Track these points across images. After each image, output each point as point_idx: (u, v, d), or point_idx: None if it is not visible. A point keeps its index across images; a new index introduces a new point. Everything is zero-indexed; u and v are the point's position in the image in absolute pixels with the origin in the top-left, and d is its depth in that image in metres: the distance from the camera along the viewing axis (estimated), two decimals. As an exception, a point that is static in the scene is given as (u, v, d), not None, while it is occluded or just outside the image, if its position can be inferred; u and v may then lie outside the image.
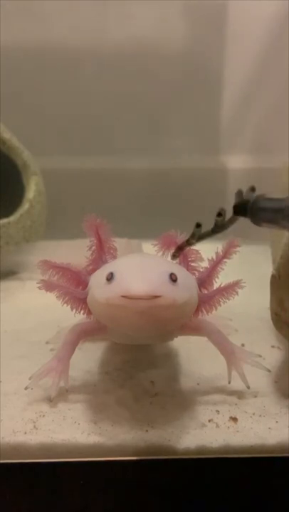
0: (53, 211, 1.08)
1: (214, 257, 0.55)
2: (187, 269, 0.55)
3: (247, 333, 0.69)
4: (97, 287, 0.49)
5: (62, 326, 0.67)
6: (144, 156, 1.26)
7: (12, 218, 0.95)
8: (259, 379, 0.58)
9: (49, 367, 0.56)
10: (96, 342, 0.66)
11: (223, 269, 0.56)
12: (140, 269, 0.47)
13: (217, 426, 0.51)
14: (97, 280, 0.50)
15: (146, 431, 0.50)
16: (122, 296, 0.45)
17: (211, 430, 0.51)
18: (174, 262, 0.56)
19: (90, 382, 0.58)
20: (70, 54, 1.20)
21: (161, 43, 1.21)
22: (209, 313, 0.55)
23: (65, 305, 0.54)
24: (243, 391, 0.56)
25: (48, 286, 0.53)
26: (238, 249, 0.55)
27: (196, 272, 0.56)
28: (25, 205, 0.98)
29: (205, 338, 0.58)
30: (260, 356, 0.59)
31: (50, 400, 0.54)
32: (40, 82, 1.21)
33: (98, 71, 1.22)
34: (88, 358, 0.63)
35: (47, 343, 0.68)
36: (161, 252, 0.58)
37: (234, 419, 0.52)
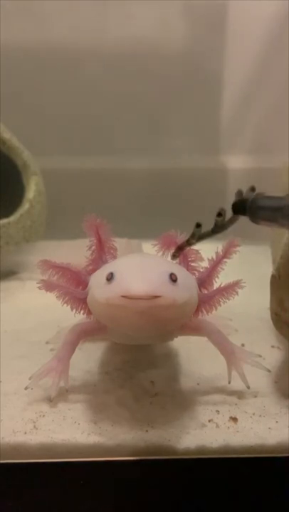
0: (53, 211, 1.09)
1: (214, 257, 0.55)
2: (187, 269, 0.55)
3: (247, 333, 0.69)
4: (97, 287, 0.49)
5: (62, 326, 0.67)
6: (144, 156, 1.26)
7: (12, 218, 0.95)
8: (259, 379, 0.58)
9: (49, 367, 0.56)
10: (96, 342, 0.66)
11: (223, 269, 0.56)
12: (140, 269, 0.47)
13: (217, 426, 0.51)
14: (97, 280, 0.50)
15: (146, 431, 0.50)
16: (122, 296, 0.45)
17: (211, 430, 0.51)
18: (174, 262, 0.56)
19: (90, 382, 0.59)
20: (70, 54, 1.20)
21: (161, 43, 1.21)
22: (209, 313, 0.55)
23: (65, 305, 0.54)
24: (243, 391, 0.56)
25: (48, 286, 0.53)
26: (238, 249, 0.55)
27: (196, 272, 0.56)
28: (25, 205, 0.98)
29: (205, 338, 0.58)
30: (260, 356, 0.59)
31: (50, 400, 0.54)
32: (40, 82, 1.21)
33: (98, 71, 1.22)
34: (88, 358, 0.63)
35: (47, 343, 0.68)
36: (161, 252, 0.58)
37: (234, 419, 0.52)
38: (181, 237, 0.57)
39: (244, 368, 0.56)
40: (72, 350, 0.57)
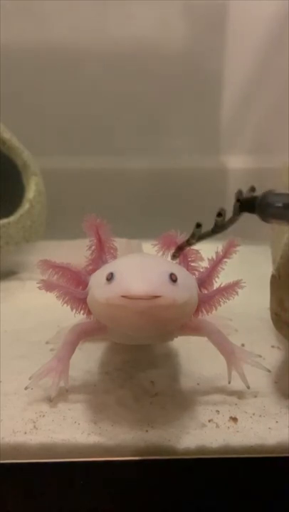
0: (53, 211, 1.08)
1: (214, 257, 0.55)
2: (187, 269, 0.55)
3: (247, 333, 0.69)
4: (97, 287, 0.49)
5: (62, 326, 0.67)
6: (144, 156, 1.26)
7: (12, 218, 0.95)
8: (259, 379, 0.58)
9: (49, 367, 0.56)
10: (96, 342, 0.65)
11: (223, 269, 0.56)
12: (140, 269, 0.47)
13: (217, 426, 0.51)
14: (97, 280, 0.50)
15: (146, 431, 0.50)
16: (122, 296, 0.45)
17: (211, 430, 0.51)
18: (174, 262, 0.56)
19: (90, 382, 0.58)
20: (70, 54, 1.20)
21: (161, 43, 1.21)
22: (209, 313, 0.55)
23: (65, 305, 0.54)
24: (243, 391, 0.56)
25: (48, 286, 0.53)
26: (238, 249, 0.55)
27: (196, 272, 0.56)
28: (25, 205, 0.98)
29: (205, 338, 0.58)
30: (260, 356, 0.59)
31: (50, 400, 0.54)
32: (40, 82, 1.21)
33: (98, 71, 1.22)
34: (88, 358, 0.63)
35: (47, 343, 0.68)
36: (161, 252, 0.58)
37: (234, 419, 0.52)
38: (181, 237, 0.57)
39: (244, 367, 0.56)
40: (72, 350, 0.57)
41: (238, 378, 0.56)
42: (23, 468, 0.49)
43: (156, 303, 0.45)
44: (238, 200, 0.52)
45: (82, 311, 0.54)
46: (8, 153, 0.98)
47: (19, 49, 1.18)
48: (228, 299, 0.55)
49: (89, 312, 0.54)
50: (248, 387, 0.56)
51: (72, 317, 0.55)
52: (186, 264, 0.56)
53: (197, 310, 0.54)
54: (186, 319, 0.53)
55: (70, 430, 0.51)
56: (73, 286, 0.54)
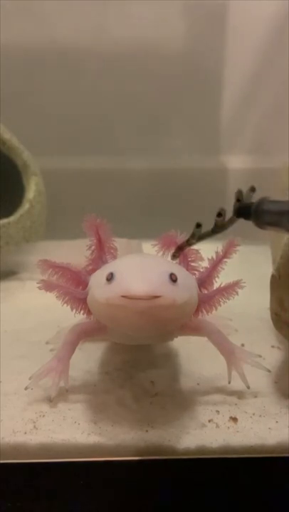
0: (53, 211, 1.09)
1: (214, 257, 0.55)
2: (187, 269, 0.55)
3: (247, 333, 0.69)
4: (97, 287, 0.49)
5: (62, 326, 0.67)
6: (144, 156, 1.26)
7: (12, 218, 0.95)
8: (259, 379, 0.58)
9: (49, 367, 0.56)
10: (96, 342, 0.66)
11: (223, 269, 0.56)
12: (140, 269, 0.47)
13: (217, 426, 0.51)
14: (97, 280, 0.50)
15: (146, 431, 0.50)
16: (122, 296, 0.45)
17: (211, 430, 0.51)
18: (174, 262, 0.56)
19: (90, 382, 0.59)
20: (70, 54, 1.20)
21: (161, 43, 1.21)
22: (209, 313, 0.55)
23: (65, 305, 0.54)
24: (243, 391, 0.56)
25: (47, 286, 0.53)
26: (238, 249, 0.55)
27: (196, 272, 0.56)
28: (25, 206, 0.98)
29: (205, 338, 0.58)
30: (260, 356, 0.59)
31: (50, 400, 0.54)
32: (40, 82, 1.21)
33: (98, 71, 1.22)
34: (88, 358, 0.63)
35: (47, 343, 0.68)
36: (161, 252, 0.58)
37: (234, 420, 0.52)
38: (181, 237, 0.57)
39: (244, 367, 0.56)
40: (72, 350, 0.57)
41: (238, 378, 0.56)
42: (23, 468, 0.49)
43: (156, 303, 0.45)
44: (238, 199, 0.52)
45: (82, 311, 0.54)
46: (8, 154, 0.98)
47: (19, 49, 1.18)
48: (228, 299, 0.55)
49: (89, 312, 0.54)
50: (248, 387, 0.56)
51: (72, 317, 0.55)
52: (186, 264, 0.56)
53: (197, 310, 0.54)
54: (186, 319, 0.53)
55: (70, 430, 0.51)
56: (73, 286, 0.54)
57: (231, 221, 0.53)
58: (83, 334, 0.57)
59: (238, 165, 1.25)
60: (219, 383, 0.58)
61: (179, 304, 0.46)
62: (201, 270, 0.56)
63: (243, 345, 0.64)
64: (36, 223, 1.00)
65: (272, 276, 0.58)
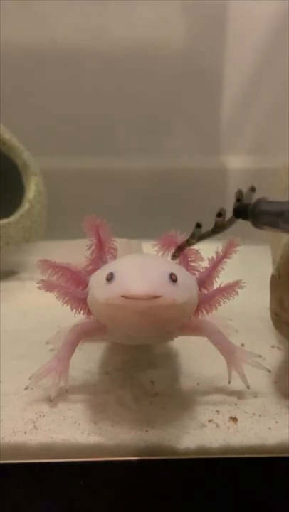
0: (53, 211, 1.08)
1: (214, 257, 0.55)
2: (187, 269, 0.55)
3: (247, 333, 0.69)
4: (97, 287, 0.49)
5: (62, 326, 0.67)
6: (144, 156, 1.26)
7: (12, 218, 0.95)
8: (259, 379, 0.58)
9: (49, 367, 0.56)
10: (96, 342, 0.65)
11: (223, 269, 0.56)
12: (140, 269, 0.47)
13: (217, 426, 0.51)
14: (97, 280, 0.50)
15: (146, 431, 0.50)
16: (122, 296, 0.45)
17: (211, 430, 0.51)
18: (174, 262, 0.56)
19: (90, 382, 0.59)
20: (70, 54, 1.20)
21: (161, 43, 1.21)
22: (209, 313, 0.55)
23: (65, 305, 0.54)
24: (243, 391, 0.56)
25: (47, 286, 0.53)
26: (238, 248, 0.55)
27: (196, 272, 0.56)
28: (25, 206, 0.98)
29: (205, 338, 0.58)
30: (260, 356, 0.59)
31: (50, 400, 0.54)
32: (40, 82, 1.21)
33: (98, 71, 1.22)
34: (88, 358, 0.63)
35: (47, 343, 0.68)
36: (161, 252, 0.58)
37: (234, 420, 0.52)
38: (181, 237, 0.57)
39: (244, 367, 0.56)
40: (72, 350, 0.57)
41: (238, 378, 0.56)
42: (23, 468, 0.49)
43: (156, 303, 0.45)
44: (238, 199, 0.52)
45: (82, 311, 0.54)
46: (8, 154, 0.98)
47: (19, 49, 1.18)
48: (228, 299, 0.55)
49: (89, 312, 0.54)
50: (248, 387, 0.56)
51: (72, 317, 0.55)
52: (186, 264, 0.56)
53: (197, 310, 0.54)
54: (186, 319, 0.53)
55: (70, 430, 0.51)
56: (73, 286, 0.54)
57: (231, 221, 0.53)
58: (83, 334, 0.57)
59: (238, 165, 1.25)
60: (219, 383, 0.58)
61: (179, 303, 0.46)
62: (201, 270, 0.56)
63: (243, 345, 0.64)
64: (36, 223, 1.00)
65: (272, 276, 0.58)
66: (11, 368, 0.61)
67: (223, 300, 0.55)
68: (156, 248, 0.59)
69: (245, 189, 0.53)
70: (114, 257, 0.56)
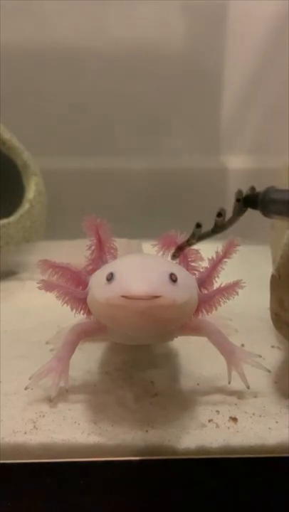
0: (53, 211, 1.09)
1: (214, 257, 0.55)
2: (187, 269, 0.55)
3: (247, 333, 0.69)
4: (97, 287, 0.49)
5: (62, 326, 0.67)
6: (144, 156, 1.26)
7: (12, 218, 0.95)
8: (259, 379, 0.58)
9: (49, 367, 0.56)
10: (96, 342, 0.65)
11: (223, 269, 0.56)
12: (140, 269, 0.47)
13: (217, 426, 0.51)
14: (97, 280, 0.50)
15: (146, 431, 0.50)
16: (122, 296, 0.45)
17: (211, 430, 0.51)
18: (174, 262, 0.56)
19: (90, 382, 0.59)
20: (70, 54, 1.20)
21: (161, 43, 1.21)
22: (209, 313, 0.55)
23: (65, 305, 0.54)
24: (243, 391, 0.56)
25: (47, 286, 0.53)
26: (238, 248, 0.55)
27: (196, 272, 0.56)
28: (25, 206, 0.98)
29: (205, 338, 0.58)
30: (260, 356, 0.59)
31: (50, 400, 0.54)
32: (40, 82, 1.21)
33: (98, 71, 1.22)
34: (88, 358, 0.63)
35: (47, 343, 0.68)
36: (161, 252, 0.58)
37: (234, 420, 0.52)
38: (181, 237, 0.57)
39: (244, 368, 0.56)
40: (72, 350, 0.57)
41: (238, 378, 0.56)
42: (23, 468, 0.49)
43: (156, 303, 0.45)
44: (237, 200, 0.52)
45: (82, 311, 0.54)
46: (8, 154, 0.98)
47: (19, 49, 1.18)
48: (228, 299, 0.55)
49: (89, 312, 0.54)
50: (248, 387, 0.56)
51: (72, 317, 0.55)
52: (186, 264, 0.56)
53: (197, 310, 0.54)
54: (186, 319, 0.53)
55: (70, 430, 0.51)
56: (73, 286, 0.54)
57: (231, 221, 0.53)
58: (83, 334, 0.57)
59: (238, 165, 1.25)
60: (219, 383, 0.58)
61: (179, 304, 0.46)
62: (201, 270, 0.56)
63: (243, 345, 0.64)
64: (36, 223, 1.00)
65: (272, 276, 0.58)
66: (11, 368, 0.61)
67: (223, 300, 0.55)
68: (156, 248, 0.59)
69: (245, 189, 0.53)
70: (114, 257, 0.56)
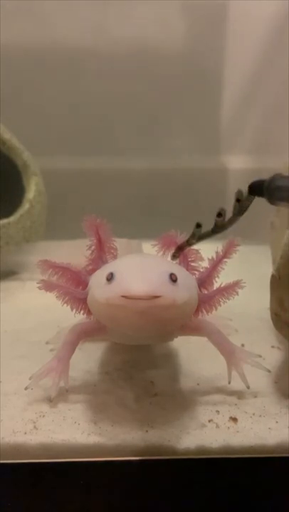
0: (53, 211, 1.09)
1: (214, 257, 0.55)
2: (187, 269, 0.55)
3: (247, 333, 0.69)
4: (97, 287, 0.49)
5: (62, 326, 0.67)
6: (144, 156, 1.26)
7: (12, 218, 0.95)
8: (259, 379, 0.58)
9: (49, 367, 0.56)
10: (96, 342, 0.65)
11: (223, 269, 0.56)
12: (140, 269, 0.47)
13: (217, 426, 0.51)
14: (97, 280, 0.50)
15: (146, 431, 0.50)
16: (122, 296, 0.45)
17: (211, 430, 0.51)
18: (174, 262, 0.56)
19: (90, 382, 0.58)
20: (70, 54, 1.20)
21: (161, 43, 1.21)
22: (209, 313, 0.55)
23: (65, 305, 0.54)
24: (243, 391, 0.56)
25: (47, 286, 0.53)
26: (238, 248, 0.55)
27: (196, 272, 0.56)
28: (25, 206, 0.98)
29: (205, 338, 0.58)
30: (260, 356, 0.59)
31: (50, 400, 0.54)
32: (40, 82, 1.21)
33: (98, 71, 1.22)
34: (88, 358, 0.63)
35: (47, 343, 0.68)
36: (161, 252, 0.58)
37: (234, 420, 0.52)
38: (181, 237, 0.57)
39: (244, 368, 0.56)
40: (72, 350, 0.57)
41: (238, 378, 0.56)
42: (23, 468, 0.49)
43: (156, 303, 0.45)
44: (237, 200, 0.52)
45: (82, 311, 0.54)
46: (8, 154, 0.98)
47: (19, 49, 1.18)
48: (228, 299, 0.55)
49: (89, 312, 0.54)
50: (248, 387, 0.56)
51: (72, 317, 0.55)
52: (186, 264, 0.56)
53: (197, 310, 0.54)
54: (186, 319, 0.53)
55: (70, 430, 0.51)
56: (73, 286, 0.54)
57: (231, 221, 0.53)
58: (83, 334, 0.57)
59: (238, 165, 1.25)
60: (219, 383, 0.58)
61: (179, 303, 0.46)
62: (201, 270, 0.56)
63: (243, 345, 0.63)
64: (36, 223, 1.00)
65: (272, 276, 0.58)
66: (11, 368, 0.61)
67: (223, 300, 0.55)
68: (156, 248, 0.59)
69: (245, 189, 0.53)
70: (114, 257, 0.56)
